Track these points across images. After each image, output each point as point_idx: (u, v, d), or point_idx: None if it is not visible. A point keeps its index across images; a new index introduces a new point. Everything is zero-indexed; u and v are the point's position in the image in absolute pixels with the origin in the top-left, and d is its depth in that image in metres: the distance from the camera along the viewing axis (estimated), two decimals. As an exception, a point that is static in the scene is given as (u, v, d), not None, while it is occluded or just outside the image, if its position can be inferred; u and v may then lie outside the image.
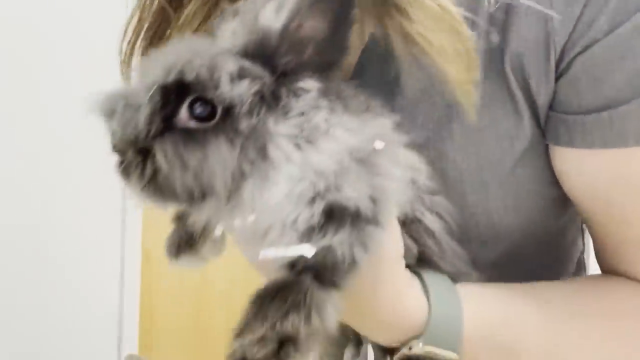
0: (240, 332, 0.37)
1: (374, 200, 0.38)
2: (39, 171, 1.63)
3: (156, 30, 0.56)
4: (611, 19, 0.44)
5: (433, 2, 0.41)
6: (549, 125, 0.48)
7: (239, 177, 0.38)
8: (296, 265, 0.38)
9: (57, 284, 1.67)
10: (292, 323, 0.36)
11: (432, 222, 0.46)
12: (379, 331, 0.45)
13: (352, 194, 0.37)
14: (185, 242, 0.47)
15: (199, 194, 0.38)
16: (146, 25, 0.57)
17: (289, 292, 0.37)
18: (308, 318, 0.36)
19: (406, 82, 0.46)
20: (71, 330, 1.70)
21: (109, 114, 0.42)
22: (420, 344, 0.43)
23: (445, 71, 0.42)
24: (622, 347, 0.48)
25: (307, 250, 0.37)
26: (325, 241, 0.37)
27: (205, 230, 0.46)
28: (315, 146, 0.38)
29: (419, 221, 0.45)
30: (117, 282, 1.80)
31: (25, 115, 1.61)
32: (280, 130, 0.37)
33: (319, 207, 0.38)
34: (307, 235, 0.38)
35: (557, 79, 0.47)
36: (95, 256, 1.75)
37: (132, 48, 0.59)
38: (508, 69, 0.46)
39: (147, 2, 0.55)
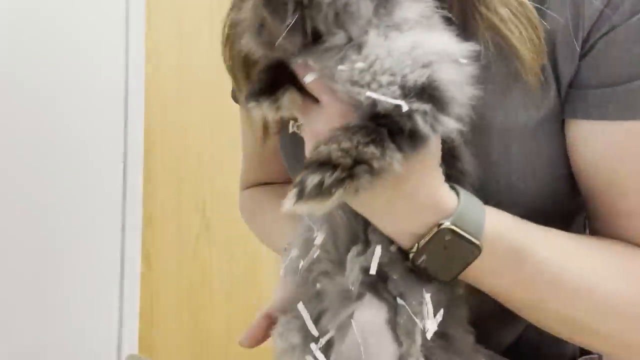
0: (329, 140, 0.44)
1: (454, 98, 0.45)
2: (39, 171, 1.64)
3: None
4: (633, 4, 0.51)
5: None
6: (567, 101, 0.53)
7: (367, 23, 0.45)
8: (379, 116, 0.44)
9: (57, 284, 1.67)
10: (371, 152, 0.43)
11: (463, 158, 0.52)
12: (412, 215, 0.48)
13: (447, 81, 0.45)
14: (268, 90, 0.50)
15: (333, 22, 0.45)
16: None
17: (373, 131, 0.44)
18: (382, 156, 0.43)
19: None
20: (71, 330, 1.70)
21: None
22: (448, 222, 0.47)
23: (523, 55, 0.50)
24: (620, 274, 0.52)
25: (403, 105, 0.43)
26: (416, 106, 0.44)
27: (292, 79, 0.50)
28: (432, 31, 0.47)
29: (454, 148, 0.51)
30: (117, 283, 1.80)
31: (25, 115, 1.61)
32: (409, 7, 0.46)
33: (426, 74, 0.44)
34: (406, 94, 0.44)
35: (580, 57, 0.52)
36: (95, 256, 1.76)
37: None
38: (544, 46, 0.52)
39: None
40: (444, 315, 0.48)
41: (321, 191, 0.43)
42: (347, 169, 0.43)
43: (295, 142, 0.63)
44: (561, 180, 0.57)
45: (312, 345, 0.51)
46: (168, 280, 1.95)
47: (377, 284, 0.50)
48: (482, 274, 0.50)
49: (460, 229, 0.48)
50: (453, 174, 0.51)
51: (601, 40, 0.52)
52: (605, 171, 0.54)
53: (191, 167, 2.01)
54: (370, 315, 0.49)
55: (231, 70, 0.65)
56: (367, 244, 0.51)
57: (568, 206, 0.60)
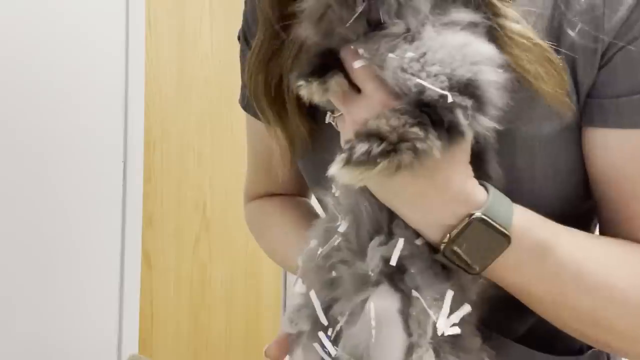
0: (377, 118, 0.47)
1: (492, 100, 0.48)
2: (39, 171, 1.64)
3: (271, 50, 0.65)
4: None
5: (526, 40, 0.52)
6: (585, 110, 0.56)
7: (425, 18, 0.49)
8: (423, 104, 0.47)
9: (57, 283, 1.67)
10: (416, 133, 0.46)
11: (490, 162, 0.54)
12: (443, 206, 0.50)
13: (489, 82, 0.48)
14: (317, 73, 0.52)
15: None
16: (263, 50, 0.65)
17: (418, 116, 0.46)
18: (425, 139, 0.46)
19: None
20: (71, 330, 1.70)
21: None
22: (479, 213, 0.49)
23: (541, 90, 0.52)
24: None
25: (449, 97, 0.46)
26: (458, 100, 0.46)
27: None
28: (478, 37, 0.50)
29: (482, 151, 0.53)
30: (117, 283, 1.80)
31: (26, 115, 1.61)
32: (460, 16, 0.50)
33: (472, 71, 0.47)
34: (451, 87, 0.47)
35: (598, 68, 0.55)
36: (95, 256, 1.76)
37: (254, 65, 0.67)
38: (563, 59, 0.54)
39: (264, 27, 0.65)
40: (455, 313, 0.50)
41: (368, 159, 0.45)
42: (393, 144, 0.46)
43: (317, 164, 0.65)
44: (580, 185, 0.59)
45: (320, 334, 0.53)
46: (168, 280, 1.95)
47: (394, 275, 0.51)
48: (508, 267, 0.51)
49: (491, 219, 0.49)
50: (480, 176, 0.53)
51: (619, 53, 0.54)
52: (620, 176, 0.56)
53: (191, 167, 2.01)
54: (384, 302, 0.50)
55: (254, 90, 0.67)
56: (390, 237, 0.53)
57: (586, 210, 0.63)
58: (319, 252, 0.55)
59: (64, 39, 1.68)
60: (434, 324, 0.48)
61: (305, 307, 0.55)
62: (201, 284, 2.02)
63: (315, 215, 0.77)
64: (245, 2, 0.76)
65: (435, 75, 0.47)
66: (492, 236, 0.49)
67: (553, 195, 0.58)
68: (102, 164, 1.76)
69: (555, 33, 0.55)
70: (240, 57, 0.77)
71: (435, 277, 0.51)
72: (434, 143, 0.46)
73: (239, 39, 0.77)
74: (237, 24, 0.80)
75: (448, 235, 0.50)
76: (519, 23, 0.52)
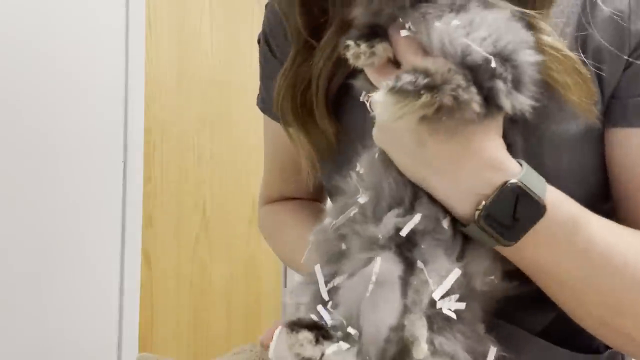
0: (425, 59, 0.49)
1: (527, 81, 0.49)
2: (39, 171, 1.64)
3: (303, 59, 0.67)
4: None
5: (556, 52, 0.53)
6: (609, 110, 0.58)
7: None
8: (466, 67, 0.48)
9: (57, 284, 1.67)
10: (459, 81, 0.46)
11: (517, 143, 0.54)
12: (478, 173, 0.50)
13: (526, 63, 0.49)
14: (365, 38, 0.54)
15: None
16: (298, 58, 0.67)
17: (462, 72, 0.47)
18: (466, 90, 0.46)
19: None
20: (71, 330, 1.70)
21: None
22: (516, 180, 0.49)
23: (569, 99, 0.53)
24: None
25: (493, 61, 0.47)
26: (500, 69, 0.47)
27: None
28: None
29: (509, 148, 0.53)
30: (117, 283, 1.80)
31: (25, 115, 1.61)
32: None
33: (515, 42, 0.49)
34: (495, 54, 0.47)
35: (623, 71, 0.57)
36: (95, 256, 1.76)
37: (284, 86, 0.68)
38: (589, 61, 0.56)
39: (296, 36, 0.67)
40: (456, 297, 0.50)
41: (412, 88, 0.46)
42: (438, 84, 0.46)
43: (339, 160, 0.65)
44: (602, 185, 0.61)
45: (319, 307, 0.52)
46: (168, 280, 1.95)
47: (403, 245, 0.51)
48: (539, 241, 0.51)
49: (527, 186, 0.49)
50: None
51: None
52: None
53: (191, 167, 2.01)
54: (386, 265, 0.49)
55: (282, 101, 0.69)
56: (410, 211, 0.52)
57: (605, 212, 0.63)
58: (331, 225, 0.55)
59: (63, 39, 1.68)
60: (431, 293, 0.48)
61: (309, 283, 0.55)
62: (201, 284, 2.02)
63: None
64: (267, 16, 0.77)
65: (482, 39, 0.48)
66: (528, 204, 0.49)
67: (577, 193, 0.57)
68: (102, 164, 1.76)
69: (582, 36, 0.57)
70: (260, 60, 0.78)
71: (445, 256, 0.50)
72: (474, 96, 0.47)
73: (258, 42, 0.78)
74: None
75: (483, 202, 0.49)
76: (550, 35, 0.53)
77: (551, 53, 0.53)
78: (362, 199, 0.54)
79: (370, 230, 0.52)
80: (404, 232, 0.50)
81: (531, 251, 0.52)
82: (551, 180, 0.55)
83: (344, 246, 0.54)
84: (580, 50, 0.57)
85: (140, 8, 1.85)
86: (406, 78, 0.46)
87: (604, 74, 0.57)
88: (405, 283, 0.49)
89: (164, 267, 1.94)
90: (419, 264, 0.49)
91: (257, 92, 0.80)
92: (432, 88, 0.46)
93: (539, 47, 0.52)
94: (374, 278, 0.48)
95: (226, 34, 2.00)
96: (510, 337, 0.55)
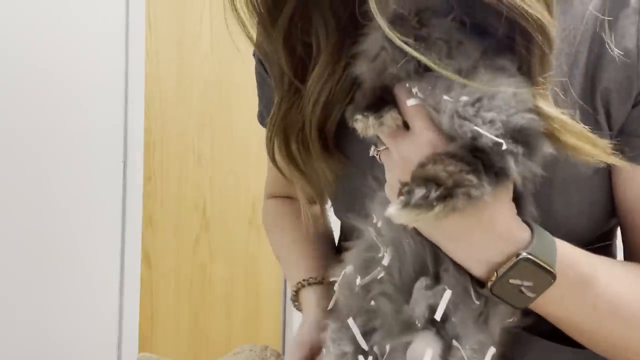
0: (435, 161, 0.49)
1: (540, 147, 0.50)
2: (39, 171, 1.64)
3: (290, 102, 0.68)
4: None
5: (559, 125, 0.52)
6: (616, 145, 0.57)
7: (476, 62, 0.50)
8: (476, 149, 0.49)
9: (57, 284, 1.67)
10: (470, 179, 0.48)
11: (525, 208, 0.56)
12: (490, 244, 0.52)
13: (538, 130, 0.50)
14: (372, 107, 0.54)
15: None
16: (284, 104, 0.68)
17: (472, 162, 0.48)
18: (479, 185, 0.48)
19: None
20: (71, 330, 1.70)
21: None
22: (526, 253, 0.51)
23: (578, 153, 0.53)
24: None
25: (504, 144, 0.48)
26: (510, 147, 0.48)
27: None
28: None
29: (517, 198, 0.55)
30: (117, 283, 1.80)
31: (25, 115, 1.61)
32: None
33: (526, 118, 0.49)
34: (504, 134, 0.48)
35: (631, 107, 0.58)
36: (96, 256, 1.76)
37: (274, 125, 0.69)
38: (598, 102, 0.57)
39: (279, 79, 0.67)
40: None
41: (425, 203, 0.47)
42: (449, 189, 0.48)
43: (348, 193, 0.67)
44: (606, 218, 0.63)
45: (360, 358, 0.56)
46: (168, 280, 1.95)
47: (435, 321, 0.53)
48: (550, 301, 0.54)
49: (538, 258, 0.51)
50: None
51: None
52: None
53: (191, 167, 2.01)
54: (426, 348, 0.52)
55: (277, 149, 0.70)
56: (436, 280, 0.54)
57: (613, 225, 0.66)
58: (357, 281, 0.57)
59: (63, 39, 1.68)
60: None
61: (345, 329, 0.58)
62: (201, 284, 2.02)
63: (327, 229, 0.80)
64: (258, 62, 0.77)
65: (491, 122, 0.49)
66: (538, 274, 0.51)
67: (587, 227, 0.61)
68: (102, 164, 1.76)
69: (591, 74, 0.58)
70: (256, 77, 0.79)
71: (475, 326, 0.53)
72: (485, 189, 0.48)
73: (254, 55, 0.79)
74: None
75: (495, 273, 0.52)
76: (553, 107, 0.54)
77: (553, 119, 0.53)
78: (386, 260, 0.56)
79: (405, 311, 0.54)
80: (438, 316, 0.52)
81: (542, 308, 0.55)
82: (560, 221, 0.59)
83: (373, 303, 0.56)
84: (586, 94, 0.58)
85: (140, 8, 1.85)
86: (418, 193, 0.48)
87: (612, 113, 0.58)
88: None
89: (164, 267, 1.94)
90: (455, 343, 0.52)
91: (257, 92, 0.80)
92: (444, 198, 0.47)
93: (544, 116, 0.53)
94: None
95: (226, 34, 2.00)
96: (515, 338, 0.57)
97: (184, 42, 1.99)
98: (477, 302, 0.53)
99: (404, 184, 0.49)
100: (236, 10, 0.65)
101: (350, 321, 0.56)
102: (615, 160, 0.53)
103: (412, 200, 0.47)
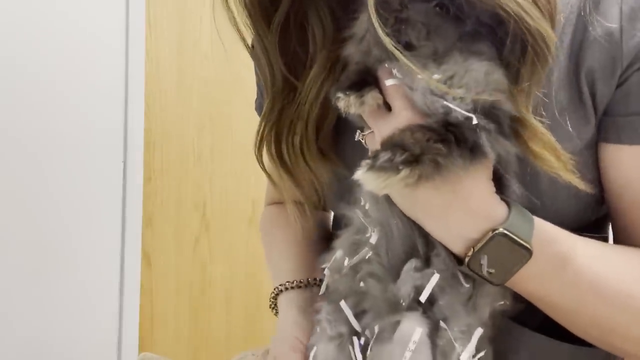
0: (403, 130, 0.50)
1: (516, 130, 0.51)
2: (39, 171, 1.64)
3: (283, 101, 0.68)
4: None
5: (544, 136, 0.53)
6: (601, 127, 0.59)
7: (453, 45, 0.51)
8: (448, 124, 0.49)
9: (57, 283, 1.67)
10: (438, 148, 0.48)
11: (510, 187, 0.56)
12: (466, 220, 0.52)
13: (511, 108, 0.50)
14: (355, 87, 0.56)
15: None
16: (277, 103, 0.67)
17: (443, 134, 0.49)
18: (447, 155, 0.48)
19: None
20: (71, 330, 1.70)
21: None
22: (502, 228, 0.51)
23: (541, 162, 0.53)
24: None
25: (474, 119, 0.49)
26: (483, 123, 0.49)
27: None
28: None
29: (501, 177, 0.56)
30: (117, 283, 1.80)
31: (25, 115, 1.61)
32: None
33: (496, 97, 0.50)
34: (476, 109, 0.49)
35: (615, 88, 0.58)
36: (95, 256, 1.76)
37: (264, 128, 0.69)
38: (583, 82, 0.58)
39: (271, 80, 0.67)
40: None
41: (390, 166, 0.48)
42: (415, 155, 0.48)
43: (341, 182, 0.66)
44: (600, 195, 0.62)
45: (354, 339, 0.56)
46: (168, 280, 1.95)
47: (421, 302, 0.54)
48: (528, 278, 0.54)
49: (513, 234, 0.51)
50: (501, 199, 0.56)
51: (635, 74, 0.57)
52: (633, 189, 0.59)
53: (191, 167, 2.01)
54: (414, 329, 0.52)
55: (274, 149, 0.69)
56: (426, 263, 0.55)
57: (603, 214, 0.66)
58: (345, 263, 0.58)
59: (64, 39, 1.68)
60: (459, 356, 0.51)
61: (339, 310, 0.58)
62: (201, 284, 2.02)
63: (320, 232, 0.80)
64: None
65: (461, 98, 0.50)
66: (514, 250, 0.52)
67: (574, 208, 0.61)
68: (102, 164, 1.76)
69: (575, 55, 0.58)
70: (255, 67, 0.78)
71: (463, 309, 0.53)
72: (455, 160, 0.49)
73: (252, 47, 0.79)
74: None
75: (472, 248, 0.52)
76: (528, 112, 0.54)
77: (525, 123, 0.54)
78: (374, 239, 0.56)
79: (390, 290, 0.55)
80: (423, 298, 0.53)
81: (521, 286, 0.55)
82: (547, 201, 0.59)
83: (362, 284, 0.57)
84: (570, 75, 0.58)
85: (140, 8, 1.85)
86: (383, 156, 0.48)
87: (597, 93, 0.58)
88: (433, 344, 0.52)
89: (164, 267, 1.94)
90: (442, 324, 0.53)
91: (256, 92, 0.80)
92: (411, 162, 0.48)
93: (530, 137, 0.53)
94: (412, 346, 0.51)
95: (226, 34, 2.00)
96: (509, 332, 0.57)
97: (184, 42, 1.99)
98: (467, 285, 0.53)
99: (372, 152, 0.50)
100: (229, 8, 0.65)
101: (343, 303, 0.57)
102: (572, 178, 0.53)
103: (377, 163, 0.48)
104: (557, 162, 0.53)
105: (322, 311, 0.60)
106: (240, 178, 2.10)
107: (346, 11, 0.60)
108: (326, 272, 0.61)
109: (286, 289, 0.71)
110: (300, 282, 0.71)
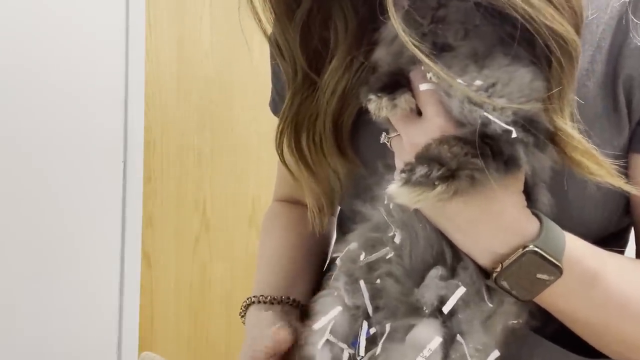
0: (440, 143, 0.48)
1: (553, 139, 0.49)
2: (39, 171, 1.64)
3: (302, 96, 0.66)
4: None
5: (577, 143, 0.51)
6: (633, 137, 0.58)
7: (493, 46, 0.49)
8: (485, 136, 0.47)
9: (57, 283, 1.67)
10: (476, 163, 0.47)
11: (540, 199, 0.55)
12: (497, 235, 0.51)
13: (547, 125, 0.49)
14: (387, 89, 0.53)
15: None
16: (297, 97, 0.66)
17: (480, 147, 0.47)
18: (484, 170, 0.47)
19: None
20: (71, 330, 1.70)
21: None
22: (533, 245, 0.49)
23: (583, 170, 0.51)
24: None
25: (513, 132, 0.47)
26: (521, 136, 0.47)
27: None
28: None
29: (531, 189, 0.54)
30: (117, 283, 1.80)
31: (25, 115, 1.61)
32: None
33: (537, 107, 0.48)
34: (516, 121, 0.47)
35: None
36: (95, 257, 1.76)
37: (285, 122, 0.67)
38: (620, 90, 0.56)
39: (292, 74, 0.66)
40: None
41: (426, 181, 0.46)
42: (452, 170, 0.46)
43: (357, 180, 0.65)
44: (621, 209, 0.61)
45: (365, 324, 0.55)
46: (168, 280, 1.95)
47: (443, 312, 0.52)
48: (557, 295, 0.53)
49: (544, 252, 0.50)
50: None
51: None
52: None
53: (191, 167, 2.01)
54: (432, 336, 0.51)
55: (288, 142, 0.67)
56: (452, 273, 0.53)
57: (626, 224, 0.65)
58: (362, 257, 0.56)
59: (64, 39, 1.68)
60: None
61: (354, 286, 0.56)
62: (201, 284, 2.02)
63: (324, 240, 0.78)
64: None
65: (502, 109, 0.47)
66: (544, 268, 0.50)
67: (601, 219, 0.59)
68: (102, 164, 1.76)
69: (614, 61, 0.56)
70: (271, 63, 0.77)
71: (481, 326, 0.52)
72: (492, 175, 0.47)
73: (270, 39, 0.78)
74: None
75: (500, 264, 0.51)
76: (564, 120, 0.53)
77: (563, 132, 0.52)
78: (398, 239, 0.54)
79: (413, 295, 0.53)
80: (446, 309, 0.51)
81: (547, 301, 0.54)
82: (574, 212, 0.57)
83: (379, 281, 0.55)
84: (607, 82, 0.57)
85: (140, 8, 1.85)
86: (420, 171, 0.47)
87: (633, 101, 0.57)
88: (445, 354, 0.51)
89: (164, 267, 1.94)
90: (459, 338, 0.51)
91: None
92: (447, 178, 0.46)
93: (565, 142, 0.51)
94: (427, 353, 0.50)
95: (226, 34, 2.00)
96: (521, 340, 0.56)
97: (184, 42, 1.99)
98: (490, 305, 0.52)
99: (407, 164, 0.48)
100: (252, 4, 0.63)
101: (362, 283, 0.55)
102: (620, 182, 0.52)
103: (413, 178, 0.46)
104: (599, 168, 0.51)
105: (339, 279, 0.58)
106: (240, 178, 2.09)
107: (372, 10, 0.58)
108: (338, 261, 0.59)
109: (259, 302, 0.70)
110: (274, 298, 0.69)
